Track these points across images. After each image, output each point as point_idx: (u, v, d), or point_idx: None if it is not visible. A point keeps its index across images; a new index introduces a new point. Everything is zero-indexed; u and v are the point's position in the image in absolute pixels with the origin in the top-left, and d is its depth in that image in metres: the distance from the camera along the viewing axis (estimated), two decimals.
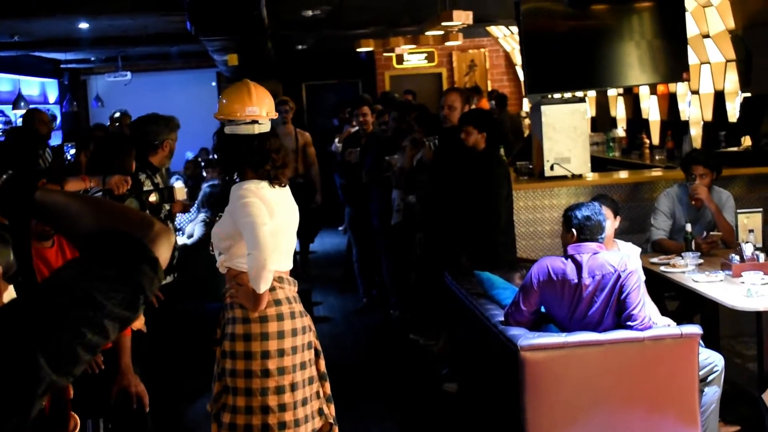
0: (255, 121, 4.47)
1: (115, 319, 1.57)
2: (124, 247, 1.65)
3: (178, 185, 6.47)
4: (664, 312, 6.11)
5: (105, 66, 18.73)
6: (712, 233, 6.83)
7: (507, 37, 17.49)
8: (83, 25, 12.76)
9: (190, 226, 9.78)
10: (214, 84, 19.79)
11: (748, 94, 9.61)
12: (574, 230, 5.17)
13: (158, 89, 19.09)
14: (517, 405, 5.04)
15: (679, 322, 5.66)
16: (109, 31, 13.45)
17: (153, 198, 5.61)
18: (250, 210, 4.22)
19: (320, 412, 4.46)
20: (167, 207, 6.00)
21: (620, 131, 14.06)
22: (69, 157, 10.01)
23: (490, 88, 18.07)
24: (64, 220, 1.75)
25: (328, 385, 4.50)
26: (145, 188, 5.86)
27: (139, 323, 5.09)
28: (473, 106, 9.05)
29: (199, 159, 13.00)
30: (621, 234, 6.77)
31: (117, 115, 13.48)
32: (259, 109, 4.48)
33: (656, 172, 9.37)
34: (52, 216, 1.77)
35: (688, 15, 10.31)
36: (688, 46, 9.65)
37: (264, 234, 4.16)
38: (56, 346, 1.49)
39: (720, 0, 10.11)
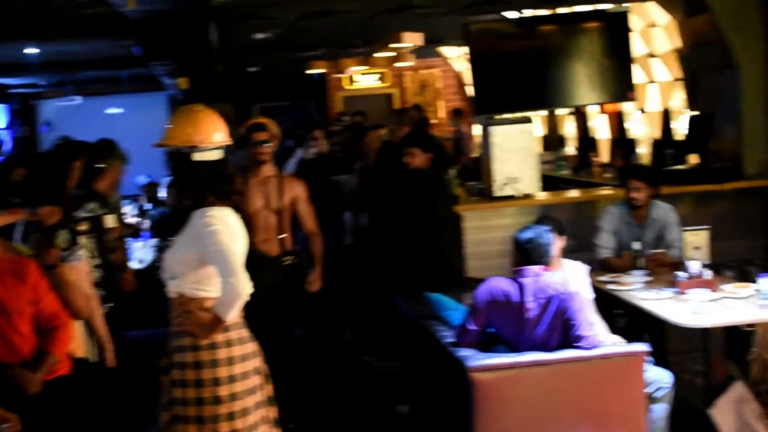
0: (221, 148, 4.51)
1: None
2: None
3: (110, 215, 6.40)
4: (614, 329, 6.17)
5: (55, 90, 18.61)
6: (655, 251, 6.93)
7: (459, 57, 17.60)
8: (32, 50, 12.68)
9: (141, 251, 9.73)
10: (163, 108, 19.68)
11: (695, 113, 9.74)
12: (518, 253, 5.23)
13: (109, 113, 18.98)
14: (468, 425, 5.06)
15: (628, 340, 5.72)
16: (58, 55, 13.39)
17: (83, 227, 5.52)
18: (220, 238, 4.22)
19: None
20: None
21: (570, 149, 14.18)
22: None
23: (443, 108, 18.19)
24: None
25: (275, 410, 4.50)
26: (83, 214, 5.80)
27: (80, 351, 5.07)
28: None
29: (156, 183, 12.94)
30: (570, 252, 6.82)
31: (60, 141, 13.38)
32: (225, 136, 4.54)
33: (605, 191, 9.46)
34: None
35: (635, 35, 10.45)
36: (636, 65, 9.77)
37: (239, 262, 4.18)
38: None
39: (666, 20, 10.25)
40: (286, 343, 6.72)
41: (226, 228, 4.27)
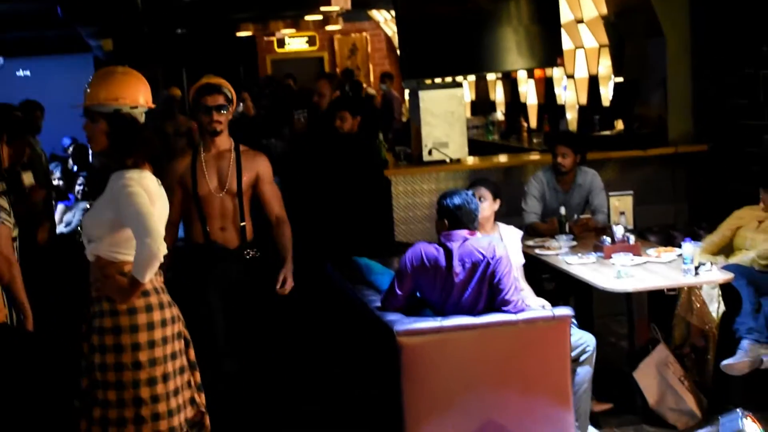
0: (144, 110, 4.44)
1: None
2: None
3: (26, 171, 6.24)
4: (541, 293, 6.23)
5: None
6: (581, 216, 7.01)
7: (388, 21, 17.55)
8: None
9: (69, 214, 9.60)
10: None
11: (621, 79, 9.82)
12: (445, 219, 5.23)
13: (34, 75, 18.67)
14: (396, 389, 5.08)
15: (555, 303, 5.78)
16: None
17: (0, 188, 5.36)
18: (137, 200, 4.16)
19: (192, 401, 4.44)
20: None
21: (499, 115, 14.24)
22: None
23: (372, 72, 18.14)
24: None
25: (198, 374, 4.47)
26: None
27: (1, 316, 4.97)
28: None
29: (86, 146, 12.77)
30: (499, 217, 6.88)
31: None
32: (149, 97, 4.47)
33: (533, 156, 9.50)
34: None
35: (562, 1, 10.48)
36: (563, 32, 9.81)
37: (156, 223, 4.12)
38: None
39: None
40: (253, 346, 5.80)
41: (143, 190, 4.21)
